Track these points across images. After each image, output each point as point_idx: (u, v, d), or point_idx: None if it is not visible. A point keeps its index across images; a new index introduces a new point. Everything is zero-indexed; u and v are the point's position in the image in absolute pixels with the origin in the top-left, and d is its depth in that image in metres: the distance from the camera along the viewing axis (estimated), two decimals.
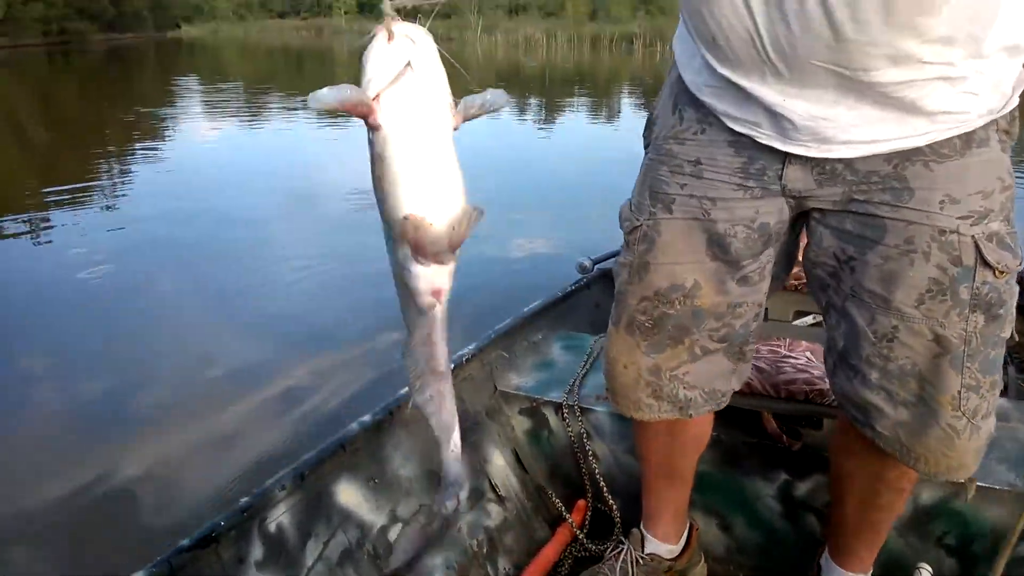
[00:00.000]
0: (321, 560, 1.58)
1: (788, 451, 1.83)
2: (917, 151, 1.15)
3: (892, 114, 1.12)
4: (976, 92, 1.11)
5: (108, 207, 7.09)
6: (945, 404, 1.23)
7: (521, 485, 2.09)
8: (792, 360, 1.87)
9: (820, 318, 2.16)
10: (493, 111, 0.89)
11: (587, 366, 2.15)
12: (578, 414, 2.00)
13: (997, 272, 1.18)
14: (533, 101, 17.01)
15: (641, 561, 1.72)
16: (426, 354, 1.00)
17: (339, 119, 13.39)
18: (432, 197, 0.87)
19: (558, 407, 2.03)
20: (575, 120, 14.74)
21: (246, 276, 5.30)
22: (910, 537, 1.75)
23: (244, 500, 1.52)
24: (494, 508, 1.98)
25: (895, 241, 1.19)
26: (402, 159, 0.85)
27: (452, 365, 1.08)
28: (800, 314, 2.08)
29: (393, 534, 1.73)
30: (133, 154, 9.99)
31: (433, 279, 0.93)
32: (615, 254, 2.94)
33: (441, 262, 0.91)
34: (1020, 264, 1.20)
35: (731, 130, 1.26)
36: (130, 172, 8.84)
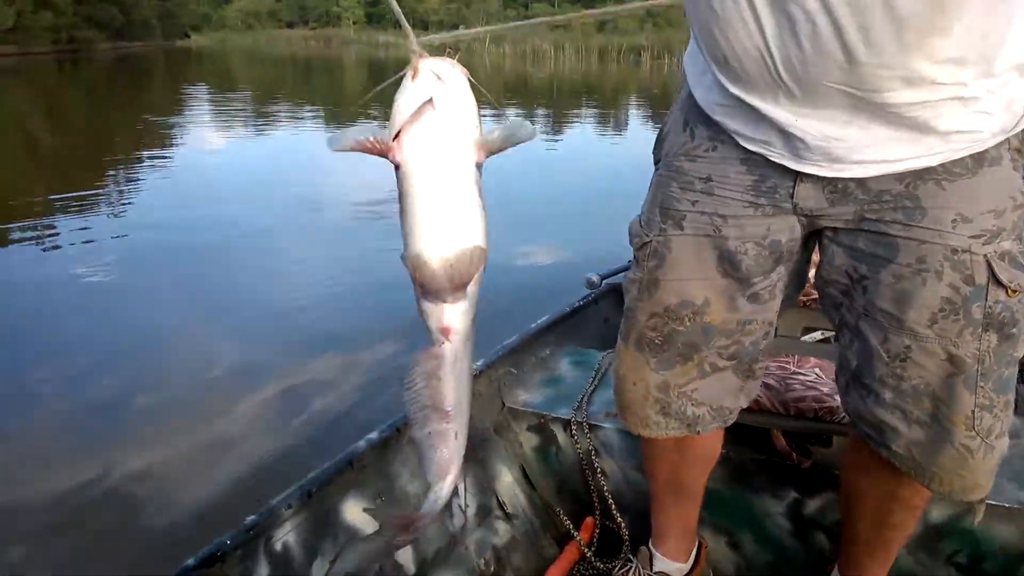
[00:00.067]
0: None
1: (797, 468, 1.82)
2: (929, 170, 1.15)
3: (905, 134, 1.12)
4: (989, 112, 1.11)
5: (115, 214, 7.13)
6: (959, 424, 1.22)
7: (529, 502, 2.08)
8: (801, 377, 1.86)
9: (829, 334, 2.17)
10: (517, 144, 0.87)
11: (595, 382, 2.14)
12: (586, 431, 1.98)
13: (1010, 291, 1.17)
14: (541, 112, 17.03)
15: None
16: (431, 390, 0.96)
17: (346, 129, 13.44)
18: (433, 235, 0.86)
19: (566, 424, 2.02)
20: (582, 131, 14.76)
21: (250, 282, 5.33)
22: (920, 555, 1.74)
23: (250, 519, 1.51)
24: (501, 526, 1.97)
25: (907, 260, 1.19)
26: (414, 196, 0.85)
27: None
28: (808, 330, 2.07)
29: (400, 553, 1.72)
30: (141, 162, 10.03)
31: (441, 317, 0.91)
32: (623, 269, 2.95)
33: (445, 300, 0.90)
34: None
35: (743, 148, 1.26)
36: (137, 180, 8.88)
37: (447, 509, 1.83)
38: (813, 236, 1.34)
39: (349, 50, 56.06)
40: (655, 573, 1.71)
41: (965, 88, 1.08)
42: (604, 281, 2.94)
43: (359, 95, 21.70)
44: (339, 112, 16.69)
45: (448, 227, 0.86)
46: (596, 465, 1.97)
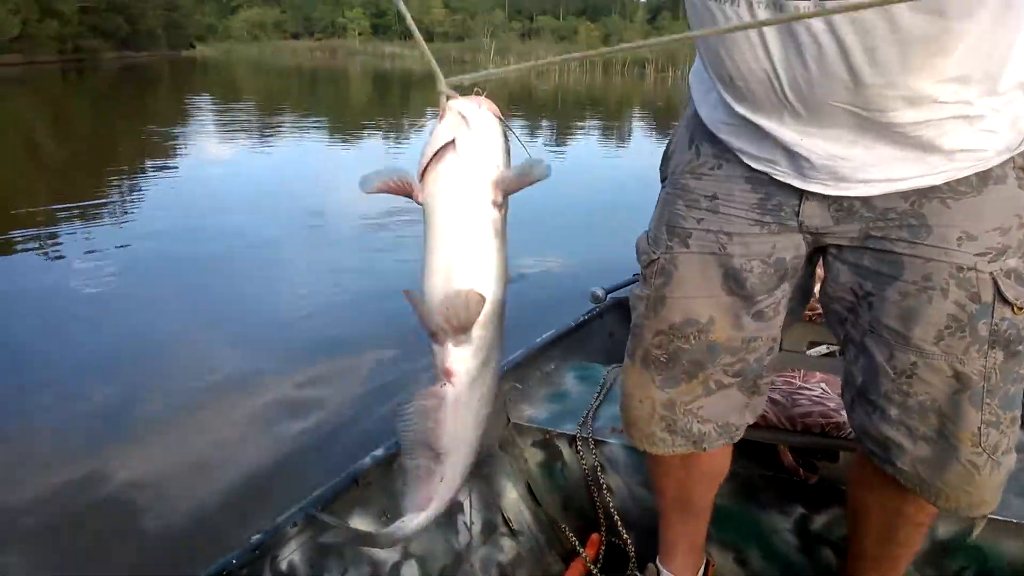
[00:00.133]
0: None
1: (804, 484, 1.82)
2: (934, 188, 1.15)
3: (910, 153, 1.12)
4: (994, 130, 1.11)
5: (118, 223, 7.14)
6: (965, 440, 1.22)
7: (534, 519, 2.07)
8: (807, 392, 1.86)
9: (833, 348, 2.17)
10: (532, 183, 0.86)
11: (601, 397, 2.14)
12: (592, 446, 1.98)
13: (1015, 308, 1.17)
14: (545, 124, 17.06)
15: None
16: (426, 428, 0.95)
17: (351, 141, 13.50)
18: (433, 275, 0.86)
19: (572, 439, 2.02)
20: (587, 143, 14.78)
21: (254, 291, 5.36)
22: (927, 571, 1.74)
23: (256, 537, 1.52)
24: (507, 542, 1.97)
25: (913, 278, 1.19)
26: (425, 236, 0.86)
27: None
28: (813, 344, 2.07)
29: (405, 570, 1.71)
30: (145, 172, 10.07)
31: (443, 358, 0.91)
32: (628, 283, 2.96)
33: (446, 342, 0.89)
34: None
35: (748, 166, 1.26)
36: (141, 189, 8.90)
37: (452, 526, 1.83)
38: (817, 252, 1.34)
39: (354, 61, 56.25)
40: None
41: (970, 107, 1.08)
42: (609, 295, 2.94)
43: (364, 106, 21.77)
44: (344, 123, 16.75)
45: (447, 269, 0.86)
46: (602, 481, 1.96)
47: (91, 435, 3.32)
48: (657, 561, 1.74)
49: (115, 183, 9.14)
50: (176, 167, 10.57)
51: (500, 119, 0.85)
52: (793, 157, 1.18)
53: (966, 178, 1.14)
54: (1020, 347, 1.20)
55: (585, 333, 2.78)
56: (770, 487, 1.85)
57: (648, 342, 1.41)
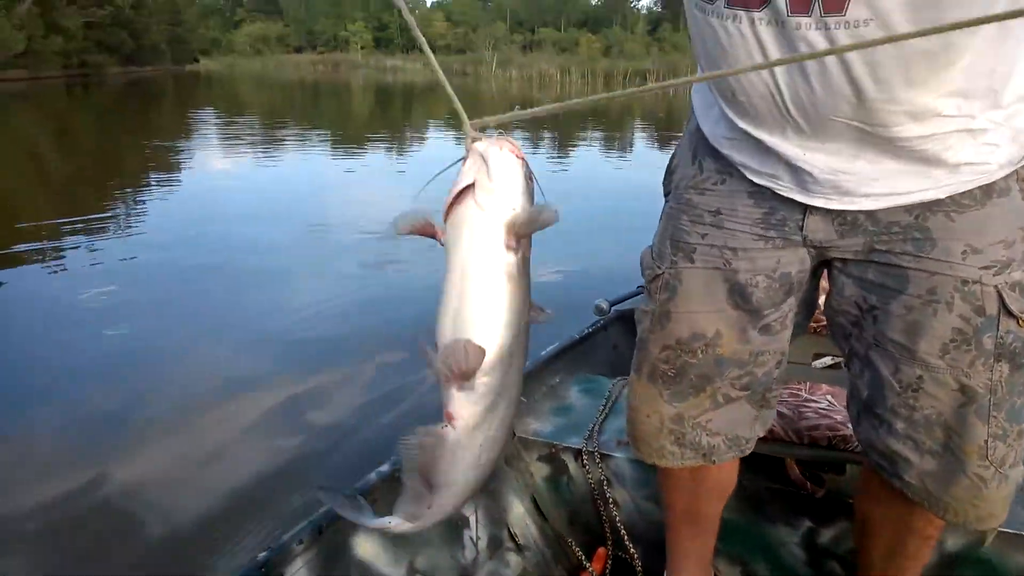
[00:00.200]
0: None
1: (811, 498, 1.81)
2: (938, 202, 1.15)
3: (913, 167, 1.13)
4: (996, 144, 1.11)
5: (123, 236, 7.14)
6: (972, 454, 1.22)
7: (540, 533, 2.06)
8: (814, 404, 1.86)
9: (839, 359, 2.16)
10: (542, 227, 0.87)
11: (606, 410, 2.13)
12: (598, 460, 1.98)
13: (1020, 321, 1.17)
14: (547, 135, 17.09)
15: None
16: (424, 461, 0.96)
17: (354, 153, 13.52)
18: (440, 320, 0.87)
19: (577, 453, 2.02)
20: (589, 154, 14.79)
21: (257, 301, 5.37)
22: None
23: (261, 555, 1.51)
24: (513, 557, 1.96)
25: (918, 291, 1.19)
26: (445, 279, 0.87)
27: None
28: (818, 356, 2.07)
29: None
30: (149, 185, 10.08)
31: (447, 401, 0.91)
32: (632, 295, 2.96)
33: (450, 386, 0.89)
34: None
35: (751, 181, 1.27)
36: (146, 202, 8.90)
37: (458, 541, 1.83)
38: (822, 265, 1.34)
39: (357, 74, 56.40)
40: None
41: (973, 120, 1.08)
42: (613, 307, 2.94)
43: (367, 119, 21.82)
44: (346, 136, 16.79)
45: (455, 314, 0.87)
46: (608, 495, 1.96)
47: (91, 440, 3.35)
48: (664, 575, 1.74)
49: (120, 197, 9.18)
50: (180, 180, 10.61)
51: (523, 161, 0.85)
52: (796, 172, 1.19)
53: (970, 191, 1.14)
54: None
55: (589, 346, 2.78)
56: (777, 500, 1.85)
57: (655, 356, 1.41)
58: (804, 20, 1.02)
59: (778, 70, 1.09)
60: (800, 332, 1.47)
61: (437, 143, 15.98)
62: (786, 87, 1.10)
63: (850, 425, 1.44)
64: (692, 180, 1.36)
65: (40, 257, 6.35)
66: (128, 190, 9.62)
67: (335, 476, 2.94)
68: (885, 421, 1.28)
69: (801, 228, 1.25)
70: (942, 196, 1.14)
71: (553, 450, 2.06)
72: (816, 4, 1.00)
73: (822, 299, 1.42)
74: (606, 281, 3.54)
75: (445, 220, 0.85)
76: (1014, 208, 1.16)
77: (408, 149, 15.03)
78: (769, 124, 1.17)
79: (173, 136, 15.72)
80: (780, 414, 1.80)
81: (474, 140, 0.85)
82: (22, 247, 6.61)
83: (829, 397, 1.89)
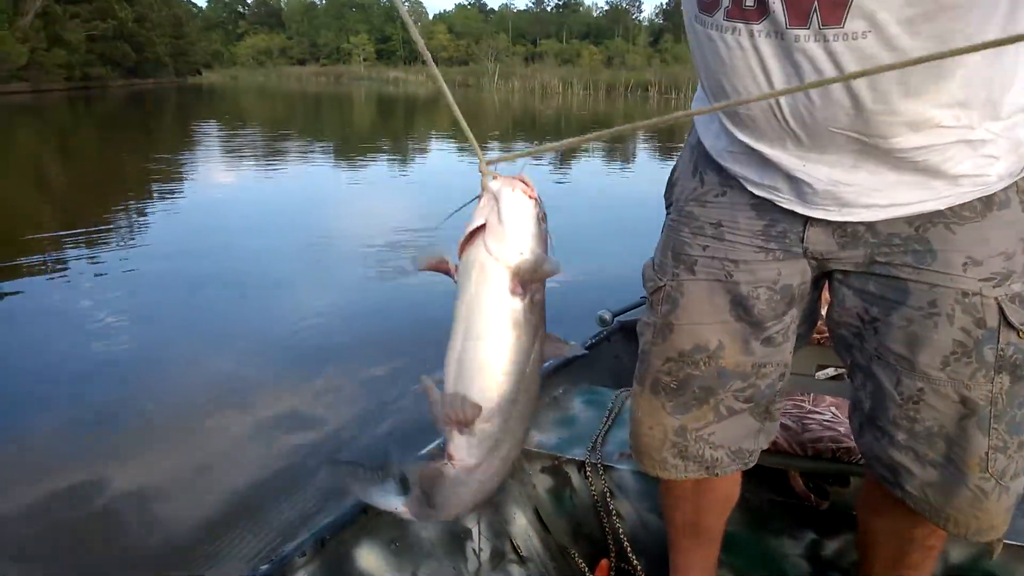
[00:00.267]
0: None
1: (815, 510, 1.81)
2: (938, 214, 1.16)
3: (913, 178, 1.13)
4: (996, 155, 1.12)
5: (126, 247, 7.18)
6: (973, 465, 1.22)
7: (543, 545, 2.06)
8: (818, 416, 1.86)
9: (842, 370, 2.16)
10: (545, 277, 0.86)
11: (609, 422, 2.13)
12: (601, 472, 1.97)
13: (1021, 333, 1.17)
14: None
15: None
16: (426, 488, 0.97)
17: (358, 166, 13.54)
18: (452, 362, 0.87)
19: (580, 465, 2.01)
20: (590, 165, 14.81)
21: (257, 310, 5.43)
22: None
23: (263, 568, 1.51)
24: (516, 569, 1.96)
25: (918, 303, 1.19)
26: (453, 320, 0.86)
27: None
28: (821, 367, 2.07)
29: None
30: (151, 198, 10.13)
31: (447, 440, 0.92)
32: (635, 306, 2.96)
33: (452, 428, 0.90)
34: None
35: (752, 193, 1.27)
36: (147, 215, 8.95)
37: (461, 553, 1.82)
38: (823, 276, 1.34)
39: (359, 86, 56.57)
40: None
41: (972, 131, 1.09)
42: (616, 318, 2.94)
43: (369, 130, 21.86)
44: (348, 148, 16.82)
45: (459, 357, 0.86)
46: (611, 507, 1.95)
47: (90, 445, 3.38)
48: None
49: (122, 209, 9.21)
50: (182, 192, 10.65)
51: (535, 202, 0.84)
52: (795, 183, 1.19)
53: (970, 203, 1.15)
54: None
55: (592, 356, 2.78)
56: (781, 513, 1.84)
57: (657, 368, 1.41)
58: (803, 32, 1.02)
59: (777, 83, 1.09)
60: (803, 343, 1.47)
61: (439, 155, 16.03)
62: (785, 100, 1.10)
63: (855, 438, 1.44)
64: (693, 193, 1.37)
65: (43, 268, 6.38)
66: (130, 202, 9.67)
67: (333, 484, 2.94)
68: (887, 432, 1.28)
69: (802, 240, 1.25)
70: (942, 207, 1.15)
71: (556, 462, 2.06)
72: (814, 16, 1.01)
73: (825, 310, 1.42)
74: (609, 291, 3.54)
75: (459, 257, 0.85)
76: (1014, 220, 1.16)
77: (410, 161, 15.06)
78: (769, 136, 1.17)
79: (175, 149, 15.79)
80: (784, 426, 1.80)
81: (489, 176, 0.84)
82: (25, 258, 6.64)
83: (833, 409, 1.89)
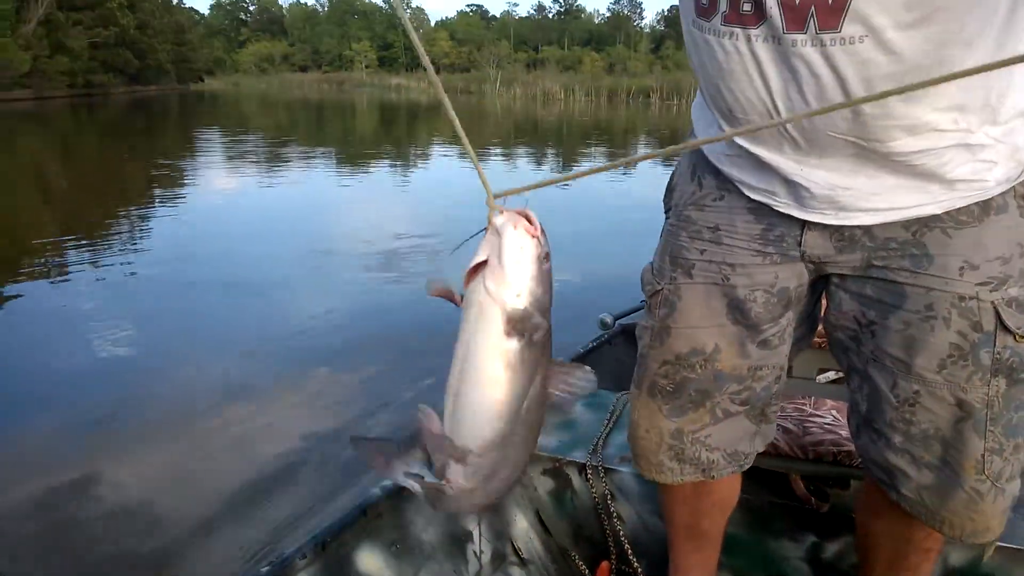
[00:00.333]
0: None
1: (816, 513, 1.81)
2: (935, 218, 1.16)
3: (911, 182, 1.13)
4: (994, 160, 1.12)
5: (125, 252, 7.19)
6: (968, 468, 1.22)
7: (544, 548, 2.06)
8: (818, 419, 1.86)
9: (842, 374, 2.17)
10: (532, 332, 0.85)
11: (610, 424, 2.13)
12: (602, 475, 1.98)
13: (1017, 337, 1.18)
14: (551, 152, 17.14)
15: None
16: (431, 499, 0.98)
17: (359, 172, 13.56)
18: (449, 395, 0.87)
19: (582, 467, 2.02)
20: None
21: (257, 313, 5.46)
22: None
23: (264, 570, 1.52)
24: (516, 572, 1.96)
25: (915, 307, 1.20)
26: (454, 353, 0.86)
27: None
28: (823, 370, 2.07)
29: None
30: (152, 204, 10.15)
31: (445, 466, 0.92)
32: (636, 310, 2.97)
33: (448, 457, 0.91)
34: None
35: (750, 197, 1.28)
36: (149, 221, 8.97)
37: (462, 556, 1.83)
38: (821, 280, 1.35)
39: (361, 93, 56.65)
40: None
41: (970, 135, 1.09)
42: (617, 321, 2.95)
43: (371, 137, 21.89)
44: (350, 154, 16.85)
45: (456, 392, 0.87)
46: (612, 509, 1.96)
47: (88, 445, 3.40)
48: None
49: (124, 215, 9.24)
50: (184, 198, 10.66)
51: (538, 241, 0.83)
52: (793, 187, 1.20)
53: (968, 208, 1.15)
54: (1023, 375, 1.20)
55: (594, 359, 2.78)
56: (781, 515, 1.85)
57: (654, 372, 1.42)
58: (800, 37, 1.03)
59: (775, 87, 1.10)
60: (804, 347, 1.48)
61: (440, 161, 16.04)
62: (783, 104, 1.11)
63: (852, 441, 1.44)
64: (691, 197, 1.37)
65: (45, 271, 6.42)
66: (132, 208, 9.70)
67: (333, 485, 2.95)
68: (883, 435, 1.29)
69: (799, 244, 1.26)
70: (939, 212, 1.15)
71: (557, 464, 2.07)
72: (811, 21, 1.01)
73: (823, 313, 1.42)
74: (611, 295, 3.55)
75: (464, 287, 0.85)
76: (1011, 225, 1.17)
77: (411, 168, 15.08)
78: (767, 141, 1.18)
79: (177, 155, 15.82)
80: (785, 429, 1.80)
81: (495, 211, 0.83)
82: (27, 262, 6.69)
83: (834, 412, 1.89)
